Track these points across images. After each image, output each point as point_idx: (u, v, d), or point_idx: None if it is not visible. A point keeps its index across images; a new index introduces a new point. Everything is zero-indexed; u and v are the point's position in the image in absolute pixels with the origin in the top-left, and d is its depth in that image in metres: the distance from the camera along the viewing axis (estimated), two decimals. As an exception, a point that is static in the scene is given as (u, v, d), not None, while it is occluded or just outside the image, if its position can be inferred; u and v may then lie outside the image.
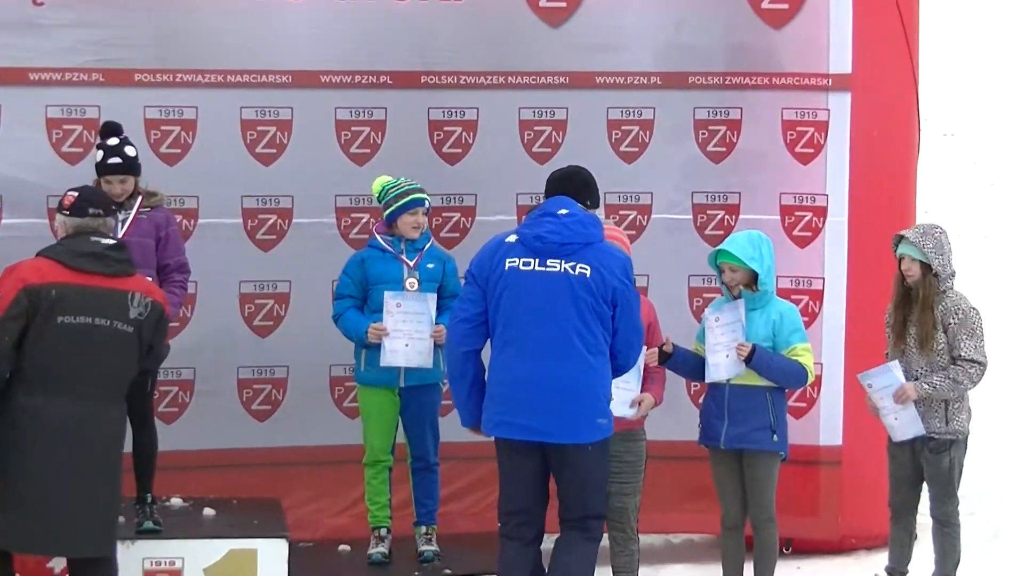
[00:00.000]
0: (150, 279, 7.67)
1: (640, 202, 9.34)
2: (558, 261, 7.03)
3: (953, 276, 8.16)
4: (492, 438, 7.39)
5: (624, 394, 7.88)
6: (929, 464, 8.17)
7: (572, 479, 7.12)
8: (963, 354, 8.04)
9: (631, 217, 9.31)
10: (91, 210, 6.97)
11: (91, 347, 6.75)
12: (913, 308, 8.13)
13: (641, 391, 7.98)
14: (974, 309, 8.13)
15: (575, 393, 6.99)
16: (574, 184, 7.45)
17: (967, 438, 8.24)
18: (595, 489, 7.18)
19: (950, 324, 8.07)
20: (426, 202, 8.46)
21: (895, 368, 8.15)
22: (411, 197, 8.41)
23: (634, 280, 7.30)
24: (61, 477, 6.65)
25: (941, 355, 8.08)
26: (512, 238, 7.19)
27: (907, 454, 8.22)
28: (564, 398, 6.98)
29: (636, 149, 9.30)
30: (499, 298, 7.08)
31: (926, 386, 8.04)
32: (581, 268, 7.01)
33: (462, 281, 8.50)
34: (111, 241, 6.96)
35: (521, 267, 7.06)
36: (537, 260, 7.04)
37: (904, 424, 8.17)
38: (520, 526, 7.17)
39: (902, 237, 8.17)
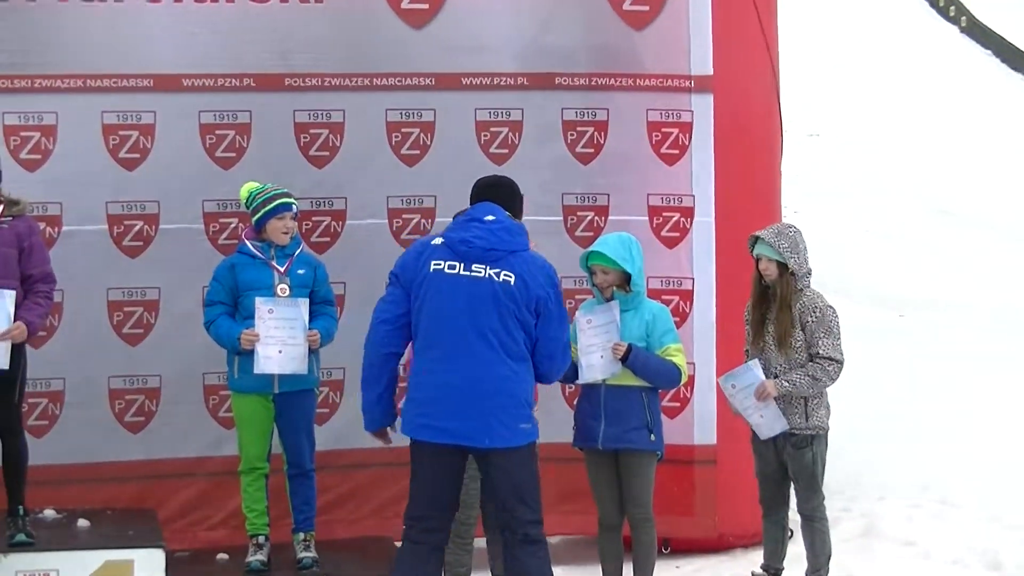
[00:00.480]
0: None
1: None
2: (483, 267, 7.25)
3: (809, 275, 8.50)
4: (396, 443, 7.61)
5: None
6: (792, 460, 8.50)
7: (499, 485, 7.32)
8: (821, 352, 8.39)
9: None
10: None
11: None
12: (771, 306, 8.48)
13: None
14: (830, 307, 8.48)
15: (497, 397, 7.19)
16: (501, 192, 7.65)
17: (827, 433, 8.58)
18: (525, 494, 7.34)
19: (808, 322, 8.41)
20: (293, 207, 8.56)
21: (755, 367, 8.49)
22: (279, 202, 8.54)
23: (559, 290, 7.52)
24: None
25: (799, 352, 8.42)
26: (438, 241, 7.36)
27: (771, 451, 8.55)
28: (486, 402, 7.18)
29: (506, 151, 9.52)
30: (423, 300, 7.27)
31: (786, 383, 8.37)
32: (506, 275, 7.23)
33: (333, 288, 8.81)
34: None
35: (446, 270, 7.27)
36: (462, 264, 7.25)
37: (769, 421, 8.49)
38: (426, 531, 7.33)
39: (758, 238, 8.51)
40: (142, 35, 9.19)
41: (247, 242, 8.67)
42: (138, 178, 9.22)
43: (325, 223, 9.42)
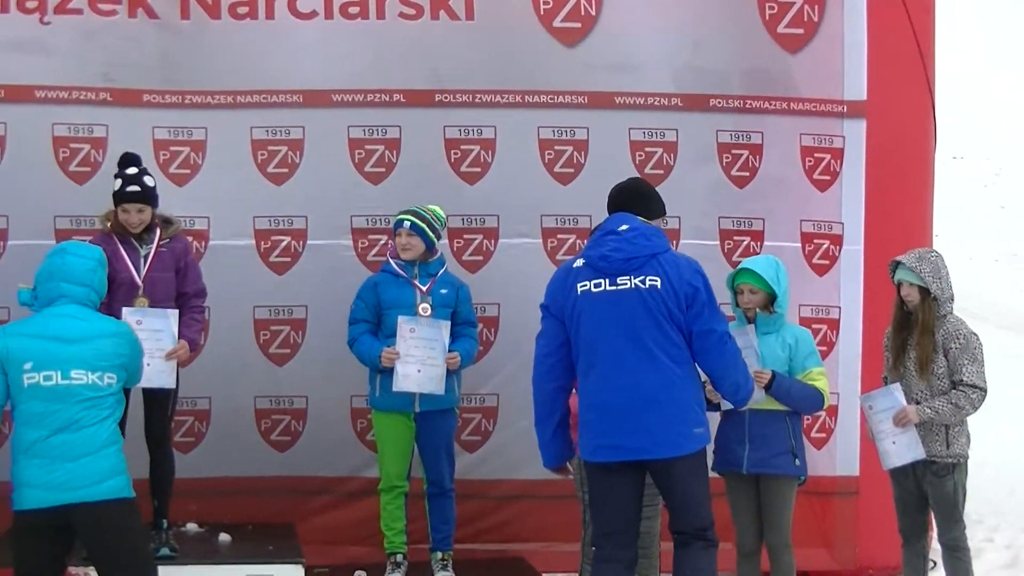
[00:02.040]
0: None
1: (667, 226, 9.25)
2: (627, 277, 7.20)
3: (952, 300, 8.37)
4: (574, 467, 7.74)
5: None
6: (933, 488, 8.36)
7: (678, 491, 7.27)
8: (965, 379, 8.24)
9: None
10: None
11: None
12: (912, 332, 8.36)
13: None
14: (974, 334, 8.35)
15: (666, 406, 7.14)
16: (631, 197, 7.65)
17: (967, 461, 8.43)
18: (703, 498, 7.31)
19: (951, 349, 8.28)
20: (406, 223, 8.63)
21: (896, 391, 8.34)
22: (395, 219, 8.72)
23: (707, 281, 7.38)
24: None
25: (941, 379, 8.29)
26: (579, 262, 7.34)
27: (910, 478, 8.41)
28: (656, 412, 7.13)
29: (661, 172, 9.51)
30: (577, 324, 7.25)
31: (928, 410, 8.23)
32: (651, 280, 7.18)
33: (487, 308, 9.00)
34: None
35: (593, 289, 7.23)
36: (607, 280, 7.21)
37: (901, 448, 8.34)
38: (618, 547, 7.29)
39: (899, 263, 8.40)
40: (292, 51, 9.36)
41: (391, 260, 8.78)
42: (286, 193, 9.37)
43: (477, 241, 9.51)
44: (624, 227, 7.35)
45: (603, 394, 7.22)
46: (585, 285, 7.29)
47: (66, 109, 9.21)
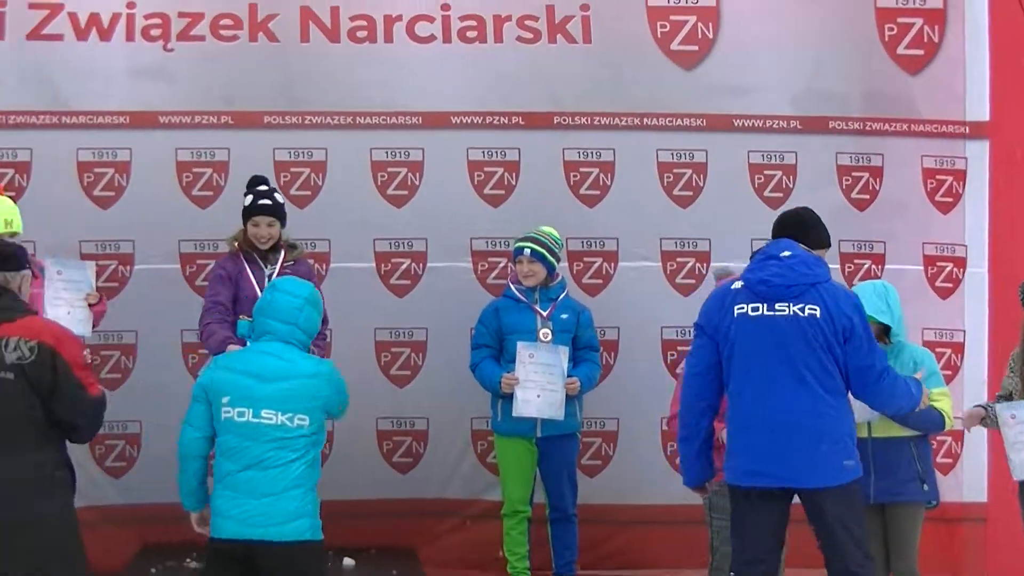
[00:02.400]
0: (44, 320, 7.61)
1: None
2: (786, 304, 7.13)
3: None
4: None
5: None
6: None
7: (827, 524, 7.17)
8: None
9: None
10: None
11: None
12: None
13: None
14: None
15: (818, 435, 7.07)
16: (795, 225, 7.54)
17: None
18: (853, 531, 7.20)
19: None
20: (527, 250, 8.68)
21: None
22: (515, 246, 8.79)
23: (864, 316, 7.30)
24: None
25: None
26: (738, 284, 7.27)
27: None
28: (808, 441, 7.06)
29: (780, 194, 9.50)
30: (731, 347, 7.19)
31: None
32: (810, 309, 7.11)
33: (607, 332, 9.00)
34: None
35: (750, 313, 7.17)
36: (765, 305, 7.15)
37: None
38: (764, 575, 7.23)
39: None
40: (411, 74, 9.43)
41: (512, 286, 8.82)
42: (406, 215, 9.44)
43: (596, 264, 9.52)
44: (786, 253, 7.30)
45: (754, 418, 7.15)
46: (742, 308, 7.23)
47: (189, 134, 9.34)
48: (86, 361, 6.76)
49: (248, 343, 7.14)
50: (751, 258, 7.59)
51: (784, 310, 7.15)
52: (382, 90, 9.45)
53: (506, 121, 9.49)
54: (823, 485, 7.12)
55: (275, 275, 8.47)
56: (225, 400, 6.85)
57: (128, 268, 9.28)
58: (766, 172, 9.60)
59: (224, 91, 9.37)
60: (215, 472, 6.90)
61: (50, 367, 6.54)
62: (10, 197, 8.58)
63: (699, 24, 9.61)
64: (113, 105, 9.32)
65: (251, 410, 6.83)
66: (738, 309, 7.23)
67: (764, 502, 7.17)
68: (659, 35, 9.58)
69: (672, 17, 9.61)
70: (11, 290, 6.70)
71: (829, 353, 7.13)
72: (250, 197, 8.57)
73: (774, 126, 9.63)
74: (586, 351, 8.85)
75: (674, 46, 9.59)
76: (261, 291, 8.35)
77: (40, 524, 6.53)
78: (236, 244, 8.61)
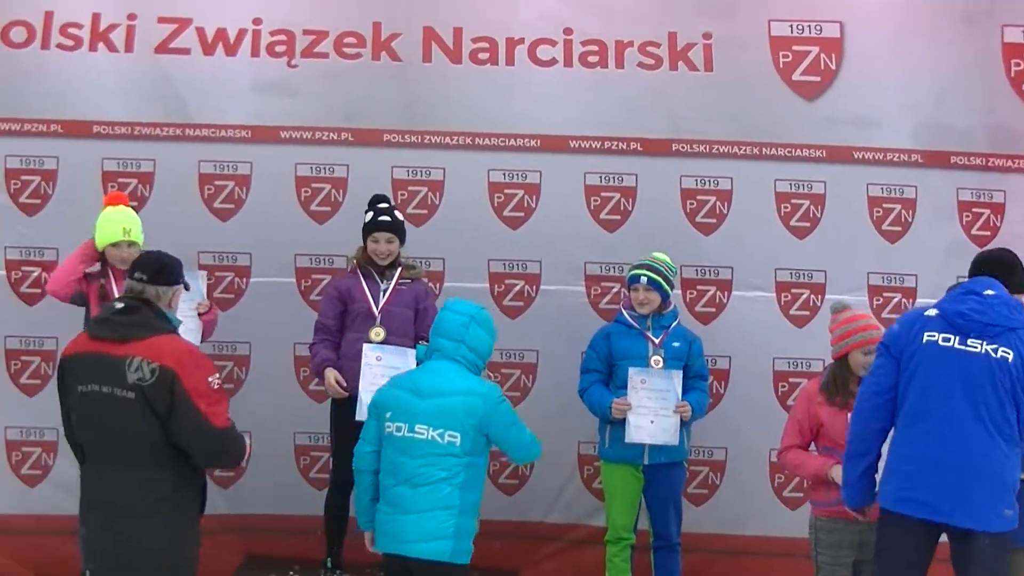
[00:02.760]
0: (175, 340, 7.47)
1: (904, 284, 9.48)
2: (980, 341, 7.09)
3: None
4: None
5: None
6: None
7: (972, 569, 7.13)
8: None
9: (895, 300, 9.48)
10: (136, 274, 6.93)
11: (101, 414, 6.71)
12: None
13: None
14: None
15: (983, 477, 7.02)
16: (996, 265, 7.49)
17: None
18: None
19: None
20: (643, 278, 8.67)
21: None
22: (630, 274, 8.78)
23: None
24: (109, 550, 6.73)
25: None
26: (932, 312, 7.24)
27: None
28: (972, 480, 7.01)
29: (899, 228, 9.46)
30: (914, 371, 7.16)
31: None
32: (1004, 351, 7.06)
33: (718, 360, 9.00)
34: (121, 305, 6.84)
35: (940, 342, 7.14)
36: (957, 338, 7.12)
37: None
38: None
39: None
40: (531, 96, 9.51)
41: (624, 311, 8.83)
42: (521, 237, 9.50)
43: (710, 293, 9.52)
44: (989, 292, 7.27)
45: (925, 448, 7.12)
46: (933, 336, 7.22)
47: (309, 149, 9.47)
48: (213, 389, 6.75)
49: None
50: (948, 291, 7.53)
51: (976, 347, 7.13)
52: (502, 112, 9.54)
53: (624, 147, 9.53)
54: (977, 528, 7.06)
55: (390, 291, 8.66)
56: (388, 415, 7.12)
57: (244, 280, 9.43)
58: (885, 205, 9.54)
59: (345, 108, 9.49)
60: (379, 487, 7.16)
61: (168, 391, 6.61)
62: (132, 207, 8.79)
63: (822, 55, 9.59)
64: (236, 119, 9.49)
65: (407, 424, 7.11)
66: (928, 336, 7.21)
67: (914, 532, 7.14)
68: (781, 65, 9.58)
69: (795, 47, 9.61)
70: (156, 305, 6.83)
71: (1012, 400, 7.09)
72: (371, 214, 8.73)
73: (895, 159, 9.57)
74: (696, 380, 8.85)
75: (796, 76, 9.58)
76: (376, 305, 8.64)
77: (146, 542, 6.65)
78: (355, 261, 8.77)
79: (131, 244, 8.51)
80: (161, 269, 6.91)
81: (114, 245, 8.53)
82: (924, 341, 7.18)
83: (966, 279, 7.51)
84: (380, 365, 8.38)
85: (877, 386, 7.29)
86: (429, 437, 7.06)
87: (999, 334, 7.11)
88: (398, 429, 7.12)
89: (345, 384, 8.57)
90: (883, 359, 7.31)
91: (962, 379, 7.08)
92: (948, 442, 7.05)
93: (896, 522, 7.17)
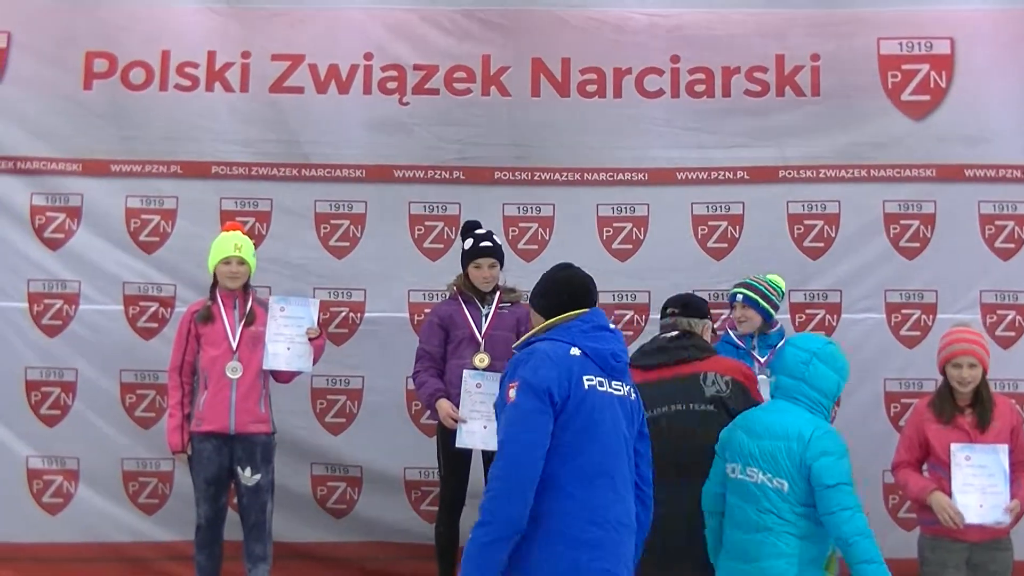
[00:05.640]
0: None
1: (1018, 301, 9.59)
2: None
3: None
4: None
5: (992, 498, 7.86)
6: None
7: None
8: None
9: (1009, 317, 9.60)
10: (668, 309, 7.64)
11: (672, 434, 7.06)
12: None
13: (1012, 496, 7.89)
14: None
15: None
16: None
17: None
18: None
19: None
20: (739, 296, 8.80)
21: None
22: (731, 292, 8.95)
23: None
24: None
25: None
26: None
27: None
28: None
29: (1012, 245, 9.57)
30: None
31: None
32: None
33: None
34: (674, 334, 7.46)
35: None
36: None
37: None
38: None
39: None
40: (639, 130, 9.77)
41: (729, 331, 9.03)
42: (630, 268, 9.77)
43: (819, 316, 9.67)
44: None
45: None
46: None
47: (422, 188, 9.80)
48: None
49: None
50: None
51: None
52: (610, 146, 9.79)
53: (731, 176, 9.75)
54: None
55: (491, 315, 8.80)
56: (727, 455, 7.01)
57: (358, 315, 9.75)
58: (997, 222, 9.65)
59: (457, 145, 9.79)
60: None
61: (742, 401, 7.12)
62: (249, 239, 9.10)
63: (931, 73, 9.72)
64: (350, 158, 9.82)
65: (739, 465, 6.95)
66: None
67: None
68: (890, 85, 9.72)
69: (904, 66, 9.74)
70: (695, 332, 7.42)
71: None
72: (470, 240, 8.88)
73: (1007, 176, 9.67)
74: None
75: (905, 96, 9.72)
76: (478, 331, 8.80)
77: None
78: (455, 288, 8.93)
79: (241, 262, 8.83)
80: (687, 304, 7.57)
81: (225, 261, 8.84)
82: None
83: None
84: (480, 392, 8.56)
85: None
86: (759, 481, 6.83)
87: None
88: (732, 471, 6.94)
89: (458, 415, 8.69)
90: None
91: None
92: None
93: None
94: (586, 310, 6.33)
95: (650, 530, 6.37)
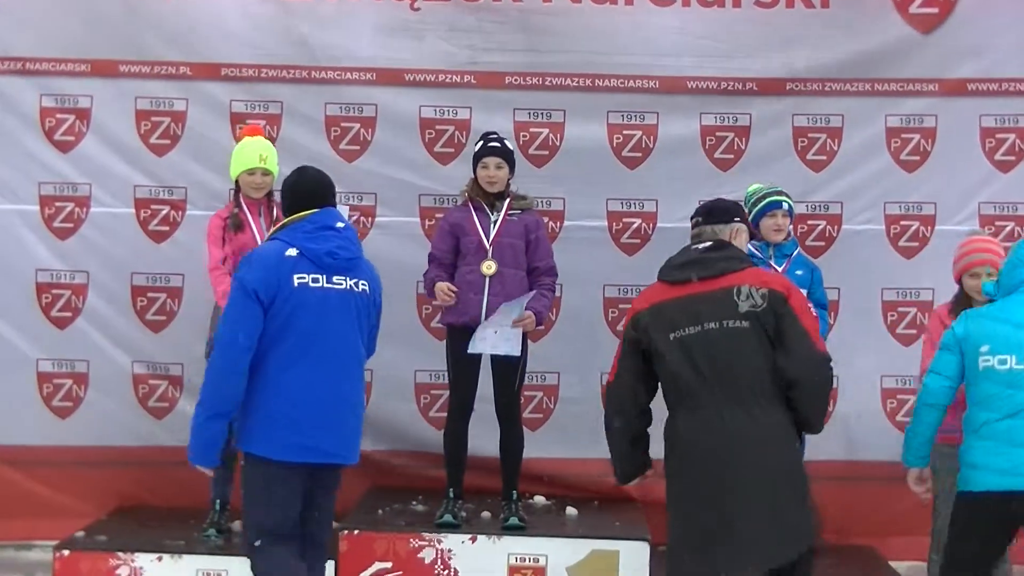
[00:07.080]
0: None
1: (1017, 212, 9.80)
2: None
3: None
4: None
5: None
6: None
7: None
8: None
9: (1008, 228, 9.75)
10: (694, 219, 7.24)
11: (710, 353, 6.76)
12: None
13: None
14: None
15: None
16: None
17: None
18: None
19: None
20: (784, 204, 8.93)
21: None
22: (768, 200, 8.95)
23: None
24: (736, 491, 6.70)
25: None
26: None
27: None
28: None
29: (1012, 158, 9.76)
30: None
31: None
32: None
33: (827, 293, 9.22)
34: (707, 244, 7.05)
35: None
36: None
37: None
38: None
39: None
40: (649, 38, 9.92)
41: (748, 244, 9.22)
42: (638, 176, 9.93)
43: (820, 227, 9.87)
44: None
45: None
46: None
47: (432, 92, 9.93)
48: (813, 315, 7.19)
49: (994, 299, 7.33)
50: None
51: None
52: (620, 53, 9.89)
53: (740, 87, 9.89)
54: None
55: (500, 222, 8.86)
56: (984, 349, 7.08)
57: (369, 220, 9.91)
58: (998, 136, 9.82)
59: (468, 50, 9.91)
60: (965, 423, 7.16)
61: (772, 320, 6.73)
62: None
63: (942, -16, 9.84)
64: (360, 62, 9.95)
65: (1014, 357, 7.03)
66: None
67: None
68: (899, -3, 9.85)
69: (914, -23, 9.84)
70: (728, 242, 7.06)
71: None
72: (480, 143, 8.99)
73: (1010, 89, 9.83)
74: (816, 308, 9.03)
75: (913, 9, 9.85)
76: (486, 238, 8.87)
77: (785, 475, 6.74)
78: (466, 194, 8.99)
79: (265, 172, 8.88)
80: (710, 209, 7.24)
81: (249, 172, 8.85)
82: None
83: None
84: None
85: None
86: None
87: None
88: (1001, 362, 7.02)
89: (456, 290, 8.77)
90: None
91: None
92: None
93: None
94: (314, 211, 7.24)
95: (711, 459, 6.72)
